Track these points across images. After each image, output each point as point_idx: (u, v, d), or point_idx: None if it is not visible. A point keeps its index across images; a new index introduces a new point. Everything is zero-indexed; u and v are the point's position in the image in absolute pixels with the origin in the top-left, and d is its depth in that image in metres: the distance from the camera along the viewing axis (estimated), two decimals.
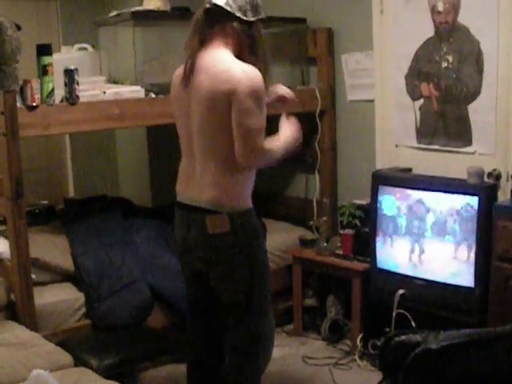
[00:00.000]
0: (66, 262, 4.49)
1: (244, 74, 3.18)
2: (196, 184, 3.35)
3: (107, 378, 3.41)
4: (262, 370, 3.60)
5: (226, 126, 3.19)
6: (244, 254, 3.34)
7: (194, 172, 3.37)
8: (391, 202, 4.58)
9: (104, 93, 4.20)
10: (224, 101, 3.16)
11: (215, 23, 3.30)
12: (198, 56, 3.28)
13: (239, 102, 3.14)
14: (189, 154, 3.40)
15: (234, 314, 3.47)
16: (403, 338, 2.35)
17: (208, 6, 3.31)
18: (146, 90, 4.41)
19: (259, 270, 3.42)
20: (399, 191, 4.56)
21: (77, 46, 4.91)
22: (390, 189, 4.61)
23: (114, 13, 4.68)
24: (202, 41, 3.31)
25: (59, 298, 4.29)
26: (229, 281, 3.39)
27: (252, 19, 3.32)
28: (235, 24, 3.29)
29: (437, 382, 2.26)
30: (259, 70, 3.24)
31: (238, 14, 3.28)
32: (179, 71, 3.43)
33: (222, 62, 3.25)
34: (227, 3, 3.27)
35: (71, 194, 6.24)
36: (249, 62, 3.26)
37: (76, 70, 3.98)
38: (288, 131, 3.45)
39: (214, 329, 3.64)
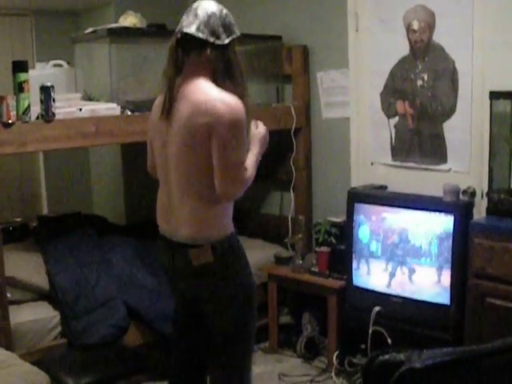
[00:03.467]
0: (41, 280, 4.46)
1: (225, 104, 3.06)
2: (174, 218, 3.29)
3: None
4: None
5: (203, 158, 3.11)
6: (229, 280, 3.31)
7: (171, 203, 3.30)
8: (367, 220, 4.59)
9: (80, 110, 4.17)
10: (203, 132, 3.06)
11: (190, 51, 3.19)
12: (177, 85, 3.20)
13: (220, 135, 3.04)
14: (165, 183, 3.34)
15: (220, 344, 3.45)
16: (387, 357, 2.34)
17: (179, 35, 3.19)
18: (121, 108, 4.39)
19: (246, 296, 3.38)
20: (375, 209, 4.58)
21: (52, 62, 4.88)
22: (366, 206, 4.62)
23: (89, 29, 4.67)
24: (179, 69, 3.20)
25: (35, 317, 4.26)
26: (217, 308, 3.36)
27: (226, 42, 3.19)
28: (209, 50, 3.16)
29: None
30: (238, 92, 3.15)
31: (212, 40, 3.16)
32: (158, 101, 3.35)
33: (202, 92, 3.13)
34: (198, 29, 3.15)
35: (45, 211, 6.20)
36: (226, 86, 3.17)
37: (52, 86, 3.95)
38: (256, 148, 3.34)
39: (197, 353, 3.61)
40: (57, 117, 4.02)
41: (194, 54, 3.20)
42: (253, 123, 3.37)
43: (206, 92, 3.14)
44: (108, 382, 4.00)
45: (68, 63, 4.95)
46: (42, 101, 3.96)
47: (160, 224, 3.44)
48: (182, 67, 3.21)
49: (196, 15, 3.18)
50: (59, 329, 4.31)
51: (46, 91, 3.95)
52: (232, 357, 3.44)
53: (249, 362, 3.52)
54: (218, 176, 3.09)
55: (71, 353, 4.23)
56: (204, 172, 3.15)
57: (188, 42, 3.19)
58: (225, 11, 3.25)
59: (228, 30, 3.21)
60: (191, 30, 3.16)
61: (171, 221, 3.33)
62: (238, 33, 3.27)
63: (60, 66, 4.91)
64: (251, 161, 3.26)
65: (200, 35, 3.16)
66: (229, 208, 3.32)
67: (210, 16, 3.18)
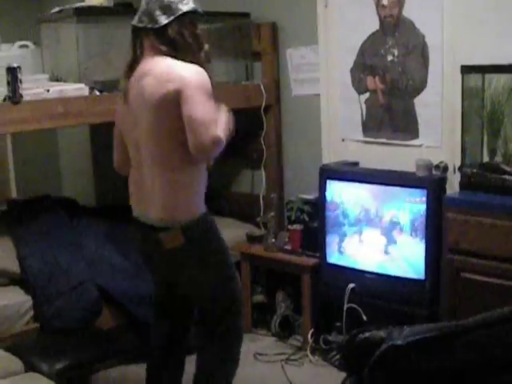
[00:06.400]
0: (11, 264, 4.41)
1: (189, 71, 3.17)
2: (146, 198, 3.32)
3: (58, 382, 3.35)
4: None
5: (174, 129, 3.16)
6: (202, 260, 3.34)
7: (143, 185, 3.34)
8: (339, 196, 4.58)
9: (48, 91, 4.11)
10: (172, 100, 3.12)
11: (140, 39, 3.33)
12: (138, 66, 3.31)
13: (188, 96, 3.10)
14: (137, 166, 3.37)
15: (204, 317, 3.47)
16: (367, 335, 2.34)
17: (132, 27, 3.35)
18: (89, 88, 4.33)
19: (221, 273, 3.44)
20: (347, 185, 4.57)
21: (18, 43, 4.81)
22: (338, 183, 4.61)
23: (56, 9, 4.61)
24: (139, 56, 3.33)
25: (6, 302, 4.20)
26: (193, 288, 3.42)
27: (164, 22, 3.24)
28: (152, 36, 3.27)
29: (403, 377, 2.25)
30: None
31: (150, 25, 3.25)
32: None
33: (164, 64, 3.23)
34: (140, 20, 3.29)
35: (14, 194, 6.13)
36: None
37: (19, 67, 3.88)
38: (224, 119, 3.35)
39: (177, 333, 3.65)
40: (24, 98, 3.94)
41: (144, 41, 3.32)
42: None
43: (167, 63, 3.24)
44: (82, 366, 3.98)
45: (34, 44, 4.87)
46: (8, 82, 3.89)
47: (133, 206, 3.45)
48: (142, 53, 3.33)
49: (141, 5, 3.32)
50: (31, 313, 4.26)
51: (12, 72, 3.87)
52: (221, 339, 3.50)
53: (238, 342, 3.57)
54: (190, 134, 3.11)
55: (44, 337, 4.19)
56: (174, 142, 3.19)
57: (137, 33, 3.33)
58: None
59: (168, 10, 3.26)
60: (134, 21, 3.33)
61: (143, 202, 3.33)
62: (181, 10, 3.28)
63: (26, 46, 4.83)
64: (221, 126, 3.26)
65: (140, 25, 3.29)
66: (200, 188, 3.34)
67: (147, 3, 3.29)
